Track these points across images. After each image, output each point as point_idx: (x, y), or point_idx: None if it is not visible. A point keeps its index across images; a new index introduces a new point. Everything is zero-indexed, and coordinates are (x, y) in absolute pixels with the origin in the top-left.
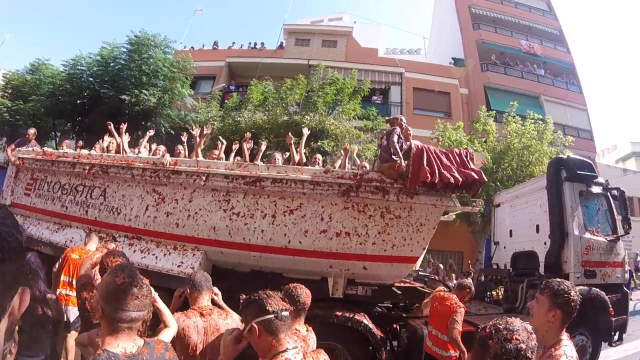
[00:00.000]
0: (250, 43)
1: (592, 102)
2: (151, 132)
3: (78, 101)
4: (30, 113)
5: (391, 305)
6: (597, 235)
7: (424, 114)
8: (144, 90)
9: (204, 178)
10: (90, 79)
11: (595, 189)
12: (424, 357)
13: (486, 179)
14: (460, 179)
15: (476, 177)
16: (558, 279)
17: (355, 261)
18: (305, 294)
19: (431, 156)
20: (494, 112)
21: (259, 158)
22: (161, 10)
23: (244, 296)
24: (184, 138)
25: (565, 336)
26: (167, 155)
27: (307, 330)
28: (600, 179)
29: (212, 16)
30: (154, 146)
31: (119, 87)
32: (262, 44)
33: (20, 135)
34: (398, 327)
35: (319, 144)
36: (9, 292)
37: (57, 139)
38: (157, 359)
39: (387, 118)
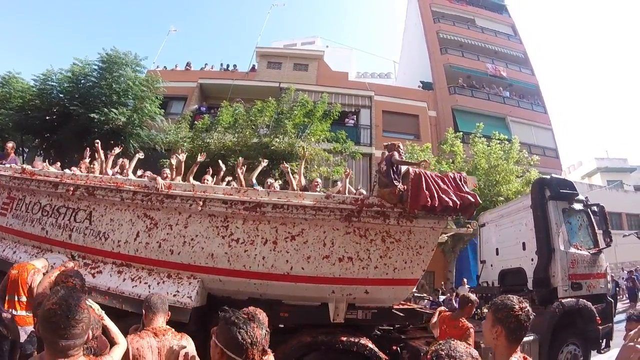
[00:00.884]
0: (222, 65)
1: (557, 121)
2: (116, 150)
3: (47, 117)
4: None
5: (390, 328)
6: (580, 250)
7: (393, 137)
8: (113, 109)
9: (200, 203)
10: (61, 95)
11: (577, 206)
12: None
13: (481, 202)
14: (458, 202)
15: (472, 200)
16: (508, 295)
17: (358, 285)
18: (264, 318)
19: (429, 180)
20: (461, 133)
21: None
22: (136, 29)
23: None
24: (174, 160)
25: (516, 357)
26: (160, 179)
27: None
28: (580, 196)
29: (186, 37)
30: (139, 172)
31: (89, 104)
32: (235, 66)
33: None
34: (398, 348)
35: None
36: None
37: (25, 155)
38: None
39: (384, 144)
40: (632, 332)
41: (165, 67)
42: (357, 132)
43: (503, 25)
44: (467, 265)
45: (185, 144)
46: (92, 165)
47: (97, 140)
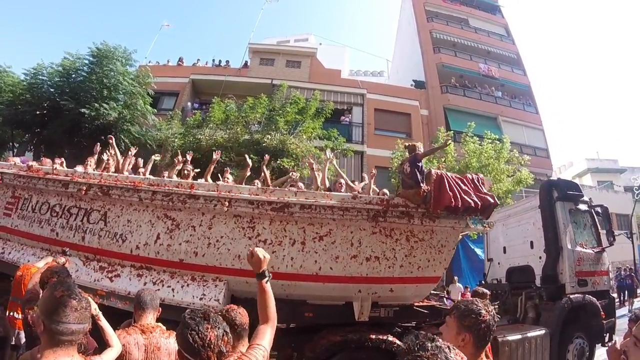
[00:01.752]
0: (214, 60)
1: (548, 121)
2: (133, 151)
3: (37, 112)
4: None
5: (409, 325)
6: (585, 248)
7: (385, 135)
8: (104, 104)
9: (226, 204)
10: (51, 89)
11: (582, 207)
12: None
13: (499, 202)
14: (479, 203)
15: (492, 200)
16: (469, 299)
17: (384, 284)
18: (240, 315)
19: (451, 182)
20: (453, 132)
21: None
22: (128, 24)
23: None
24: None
25: None
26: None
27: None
28: (585, 198)
29: (178, 32)
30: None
31: (79, 99)
32: (227, 62)
33: None
34: None
35: (278, 162)
36: None
37: (15, 150)
38: None
39: (406, 144)
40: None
41: (157, 62)
42: (349, 129)
43: (496, 26)
44: (458, 264)
45: (176, 140)
46: (107, 161)
47: (111, 136)
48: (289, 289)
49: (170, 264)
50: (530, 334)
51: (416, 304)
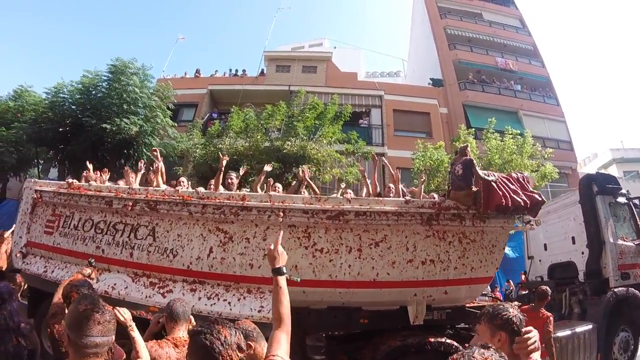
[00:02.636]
0: (231, 70)
1: (570, 112)
2: (161, 165)
3: (60, 129)
4: (13, 140)
5: (460, 327)
6: (627, 241)
7: (405, 135)
8: (124, 119)
9: (281, 214)
10: (73, 106)
11: (621, 199)
12: None
13: (545, 200)
14: (528, 201)
15: (540, 198)
16: (498, 303)
17: (439, 287)
18: (248, 323)
19: (499, 182)
20: (474, 129)
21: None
22: (145, 40)
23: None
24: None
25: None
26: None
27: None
28: (623, 191)
29: (194, 44)
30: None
31: (100, 115)
32: (244, 70)
33: (4, 163)
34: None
35: (299, 167)
36: None
37: (40, 167)
38: None
39: (460, 146)
40: None
41: (175, 74)
42: (368, 132)
43: (511, 18)
44: None
45: (197, 150)
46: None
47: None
48: (347, 297)
49: (224, 277)
50: (579, 329)
51: (468, 305)
